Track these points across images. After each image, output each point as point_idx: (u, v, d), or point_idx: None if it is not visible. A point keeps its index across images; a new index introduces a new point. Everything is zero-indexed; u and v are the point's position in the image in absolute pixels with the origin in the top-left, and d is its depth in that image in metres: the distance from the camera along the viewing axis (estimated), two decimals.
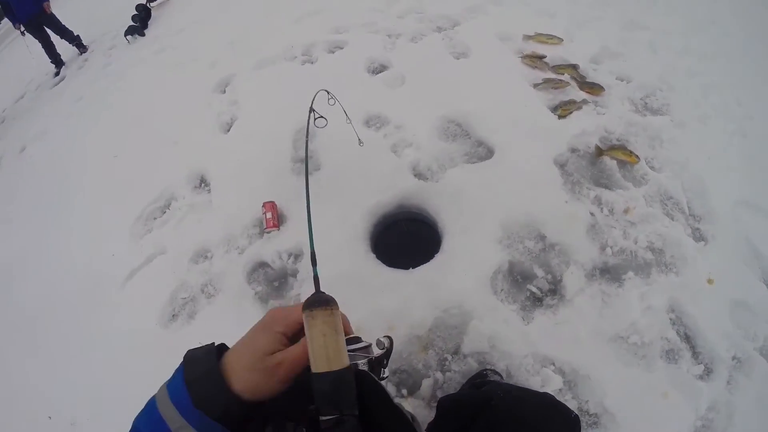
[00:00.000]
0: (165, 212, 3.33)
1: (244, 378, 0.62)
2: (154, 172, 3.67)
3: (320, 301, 0.69)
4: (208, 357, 0.65)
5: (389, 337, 0.79)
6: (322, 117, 1.45)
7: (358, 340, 0.78)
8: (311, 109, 1.43)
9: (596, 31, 3.64)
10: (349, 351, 0.69)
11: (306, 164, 1.12)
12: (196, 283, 2.77)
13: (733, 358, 2.09)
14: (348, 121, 2.03)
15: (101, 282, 3.09)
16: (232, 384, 0.62)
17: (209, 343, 0.69)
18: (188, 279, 2.82)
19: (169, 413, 0.60)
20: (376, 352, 0.79)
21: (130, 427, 0.63)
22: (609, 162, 2.66)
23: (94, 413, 2.44)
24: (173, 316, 2.72)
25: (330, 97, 1.72)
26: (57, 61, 8.31)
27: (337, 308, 0.70)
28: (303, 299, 1.89)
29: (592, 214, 2.45)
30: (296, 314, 0.68)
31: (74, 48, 8.45)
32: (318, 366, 0.64)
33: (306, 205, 1.03)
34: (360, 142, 2.30)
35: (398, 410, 0.66)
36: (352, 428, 0.61)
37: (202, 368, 0.64)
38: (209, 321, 2.58)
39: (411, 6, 4.43)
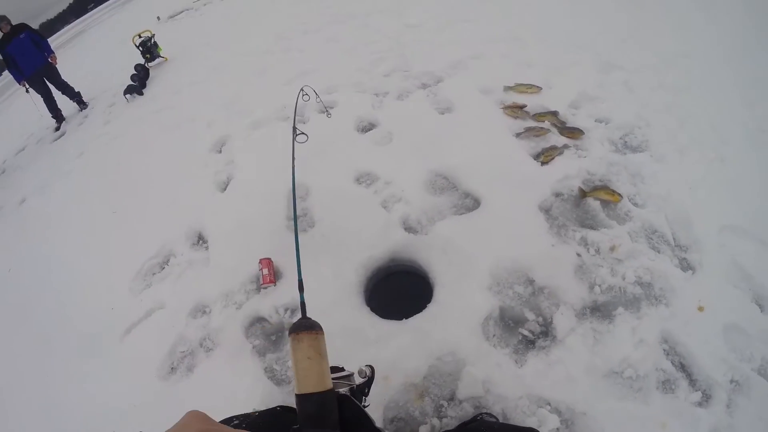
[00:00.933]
0: (164, 268, 3.43)
1: None
2: (153, 229, 3.78)
3: (306, 326, 0.75)
4: None
5: (371, 366, 0.83)
6: (303, 133, 1.53)
7: (341, 369, 0.83)
8: (294, 128, 1.47)
9: (573, 77, 3.81)
10: (332, 379, 0.72)
11: (293, 183, 1.18)
12: (195, 337, 2.83)
13: (731, 381, 2.10)
14: (318, 100, 2.06)
15: (100, 335, 3.14)
16: None
17: None
18: (187, 333, 2.87)
19: None
20: (358, 380, 0.83)
21: None
22: (593, 203, 2.74)
23: None
24: (172, 369, 2.76)
25: (304, 94, 1.78)
26: (58, 116, 8.52)
27: (322, 333, 0.74)
28: None
29: (578, 255, 2.52)
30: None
31: (74, 104, 8.70)
32: (302, 387, 0.68)
33: (294, 231, 1.07)
34: (328, 113, 2.32)
35: None
36: None
37: None
38: (208, 374, 2.62)
39: (396, 64, 4.69)
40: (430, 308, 2.46)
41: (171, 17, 15.00)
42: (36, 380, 3.11)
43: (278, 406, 0.78)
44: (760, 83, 3.49)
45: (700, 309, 2.31)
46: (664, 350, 2.20)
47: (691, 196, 2.77)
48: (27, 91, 8.20)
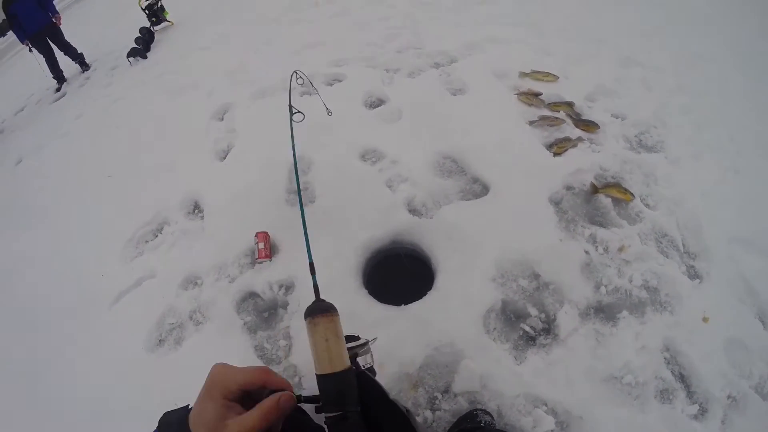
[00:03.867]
0: (157, 236, 3.34)
1: None
2: (148, 195, 3.69)
3: (322, 309, 0.76)
4: (181, 422, 0.64)
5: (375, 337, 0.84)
6: (299, 112, 1.55)
7: (356, 338, 0.87)
8: (290, 106, 1.53)
9: (591, 69, 3.71)
10: (349, 348, 0.76)
11: (296, 167, 1.17)
12: (185, 309, 2.77)
13: (728, 396, 2.08)
14: (315, 92, 2.04)
15: (89, 302, 3.07)
16: None
17: (184, 405, 0.70)
18: (177, 305, 2.81)
19: None
20: (373, 344, 0.87)
21: None
22: (604, 200, 2.67)
23: None
24: (160, 341, 2.71)
25: (299, 76, 1.77)
26: (59, 77, 8.37)
27: (337, 315, 0.76)
28: (292, 332, 1.92)
29: (586, 252, 2.45)
30: (237, 378, 0.65)
31: (77, 65, 8.55)
32: (322, 368, 0.70)
33: (300, 214, 1.11)
34: (328, 111, 2.28)
35: (394, 405, 0.69)
36: (355, 423, 0.65)
37: (174, 430, 0.65)
38: (196, 349, 2.56)
39: (409, 42, 4.54)
40: (431, 295, 2.39)
41: None
42: (21, 346, 3.05)
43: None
44: None
45: (705, 320, 2.27)
46: (665, 359, 2.16)
47: (704, 203, 2.71)
48: (30, 50, 8.07)
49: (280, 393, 0.64)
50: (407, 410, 0.69)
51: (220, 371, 0.66)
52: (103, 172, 4.34)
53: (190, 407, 0.67)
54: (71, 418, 2.48)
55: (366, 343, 0.89)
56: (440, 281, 2.43)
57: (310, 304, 0.79)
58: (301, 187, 3.10)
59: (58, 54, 8.27)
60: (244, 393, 0.65)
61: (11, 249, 3.97)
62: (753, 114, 3.32)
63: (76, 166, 4.82)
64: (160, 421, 0.68)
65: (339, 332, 0.75)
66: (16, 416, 2.64)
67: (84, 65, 8.53)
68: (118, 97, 6.21)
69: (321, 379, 0.70)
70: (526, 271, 2.40)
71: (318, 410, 0.68)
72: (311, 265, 0.96)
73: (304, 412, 0.90)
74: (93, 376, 2.64)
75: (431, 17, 5.16)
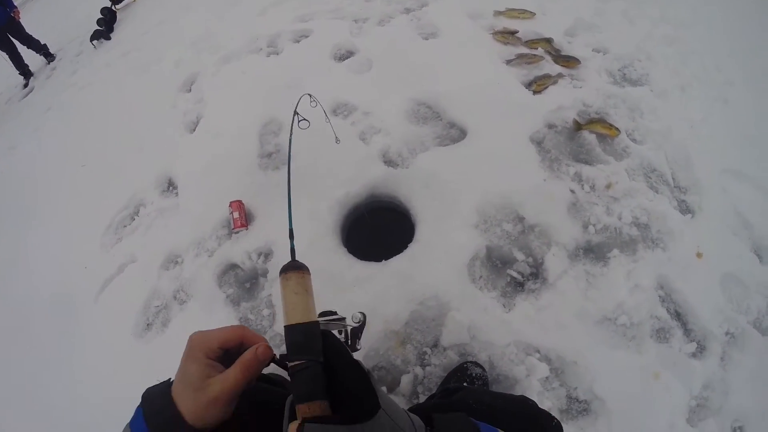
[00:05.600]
0: (134, 219, 3.23)
1: (191, 410, 0.62)
2: (123, 179, 3.55)
3: (294, 266, 0.78)
4: (163, 392, 0.66)
5: (363, 313, 0.86)
6: (305, 119, 1.50)
7: (333, 313, 0.83)
8: (295, 112, 1.45)
9: (569, 3, 3.50)
10: (324, 321, 0.76)
11: (288, 164, 1.22)
12: (168, 289, 2.68)
13: (726, 333, 2.02)
14: (327, 121, 2.00)
15: (75, 296, 2.99)
16: (184, 415, 0.62)
17: (166, 379, 0.71)
18: (160, 286, 2.73)
19: None
20: (351, 324, 0.86)
21: None
22: (588, 136, 2.54)
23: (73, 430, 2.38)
24: (147, 325, 2.64)
25: (312, 100, 1.77)
26: (25, 72, 8.12)
27: (309, 273, 0.78)
28: (275, 299, 2.07)
29: (572, 191, 2.33)
30: (215, 336, 0.69)
31: (42, 58, 8.27)
32: (290, 319, 0.71)
33: (287, 183, 1.16)
34: (337, 140, 2.18)
35: (355, 362, 0.65)
36: (316, 373, 0.64)
37: (159, 403, 0.65)
38: (183, 327, 2.48)
39: None
40: (412, 248, 2.27)
41: None
42: (13, 346, 3.00)
43: None
44: None
45: (699, 255, 2.18)
46: (659, 297, 2.08)
47: (693, 135, 2.61)
48: None
49: (257, 345, 0.69)
50: (369, 371, 0.64)
51: (198, 335, 0.70)
52: (77, 162, 4.18)
53: (171, 380, 0.69)
54: (68, 416, 2.45)
55: (342, 319, 0.84)
56: (420, 232, 2.32)
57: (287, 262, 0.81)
58: (271, 150, 3.01)
59: (21, 49, 8.00)
60: (224, 352, 0.68)
61: None
62: (744, 45, 3.18)
63: (51, 161, 4.66)
64: (143, 396, 0.69)
65: (309, 288, 0.77)
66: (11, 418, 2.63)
67: (49, 56, 8.24)
68: (85, 83, 5.99)
69: (288, 329, 0.71)
70: (509, 214, 2.28)
71: (282, 358, 0.69)
72: (291, 231, 1.00)
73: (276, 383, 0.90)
74: (87, 369, 2.60)
75: None
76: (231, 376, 0.64)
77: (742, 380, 1.92)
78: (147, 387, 0.71)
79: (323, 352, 0.67)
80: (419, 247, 2.25)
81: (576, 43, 3.17)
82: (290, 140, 1.39)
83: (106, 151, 4.05)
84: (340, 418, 0.58)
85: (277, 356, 0.73)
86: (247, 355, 0.67)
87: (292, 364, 0.65)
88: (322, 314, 0.79)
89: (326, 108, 2.99)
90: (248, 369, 0.66)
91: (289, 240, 0.96)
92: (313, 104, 1.74)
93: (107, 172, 3.77)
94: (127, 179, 3.50)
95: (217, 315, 2.43)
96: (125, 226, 3.23)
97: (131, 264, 2.95)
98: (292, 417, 0.62)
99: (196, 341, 0.69)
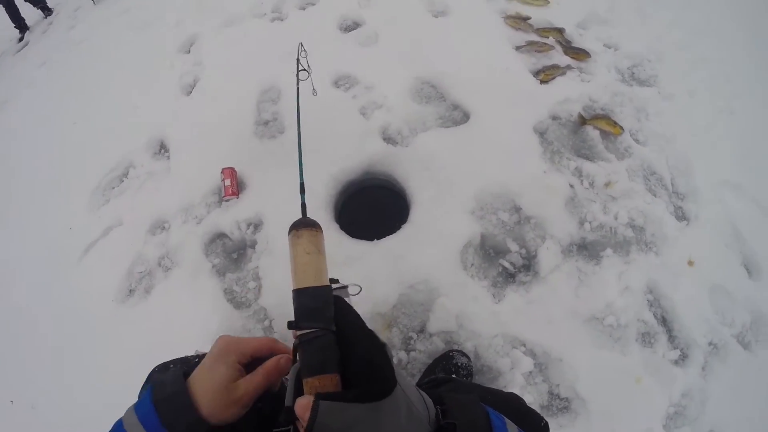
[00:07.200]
0: (123, 181, 3.18)
1: (209, 405, 0.64)
2: (114, 139, 3.48)
3: (306, 223, 0.77)
4: (176, 380, 0.67)
5: (360, 286, 0.84)
6: (305, 70, 1.46)
7: (336, 281, 0.77)
8: (297, 60, 1.44)
9: None
10: (336, 287, 0.74)
11: (298, 115, 1.25)
12: (153, 255, 2.65)
13: (710, 343, 2.02)
14: (305, 70, 1.92)
15: (58, 257, 2.96)
16: (200, 409, 0.64)
17: (177, 366, 0.75)
18: (145, 251, 2.70)
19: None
20: (353, 291, 0.83)
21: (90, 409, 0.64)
22: (591, 132, 2.51)
23: (54, 396, 2.35)
24: (130, 291, 2.61)
25: (302, 50, 1.65)
26: (21, 26, 7.97)
27: (321, 232, 0.77)
28: (261, 272, 2.00)
29: (571, 186, 2.31)
30: (250, 344, 0.72)
31: (39, 11, 8.08)
32: (300, 282, 0.69)
33: (297, 136, 1.21)
34: (314, 92, 2.12)
35: (371, 333, 0.62)
36: (329, 343, 0.62)
37: (170, 389, 0.66)
38: (166, 296, 2.48)
39: None
40: (405, 229, 2.24)
41: None
42: None
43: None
44: None
45: (690, 263, 2.18)
46: (648, 301, 2.08)
47: (696, 142, 2.58)
48: None
49: (280, 355, 0.72)
50: (384, 344, 0.59)
51: (233, 339, 0.72)
52: (69, 119, 4.09)
53: (181, 369, 0.71)
54: (46, 379, 2.47)
55: (345, 287, 0.80)
56: (415, 214, 2.28)
57: (295, 220, 0.79)
58: (269, 117, 2.95)
59: (19, 2, 7.77)
60: (254, 359, 0.72)
61: None
62: (752, 57, 3.13)
63: (42, 117, 4.57)
64: (151, 380, 0.72)
65: (322, 248, 0.76)
66: None
67: (46, 10, 8.04)
68: (82, 39, 5.81)
69: (297, 293, 0.68)
70: (506, 203, 2.25)
71: (290, 326, 0.66)
72: (302, 185, 1.05)
73: None
74: (66, 336, 2.58)
75: None
76: (255, 380, 0.68)
77: (721, 392, 1.92)
78: (151, 369, 0.75)
79: (335, 320, 0.65)
80: (412, 229, 2.22)
81: (587, 36, 3.11)
82: (297, 89, 1.35)
83: (100, 109, 3.96)
84: (355, 394, 0.54)
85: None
86: (270, 363, 0.71)
87: (302, 332, 0.63)
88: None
89: (328, 77, 2.95)
90: (270, 375, 0.70)
91: (299, 195, 0.99)
92: (303, 54, 1.68)
93: (99, 131, 3.69)
94: (119, 139, 3.43)
95: (201, 284, 2.40)
96: (113, 188, 3.18)
97: (117, 227, 2.91)
98: (299, 391, 0.60)
99: (230, 345, 0.71)
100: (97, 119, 3.84)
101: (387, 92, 2.81)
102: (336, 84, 2.97)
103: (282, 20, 3.75)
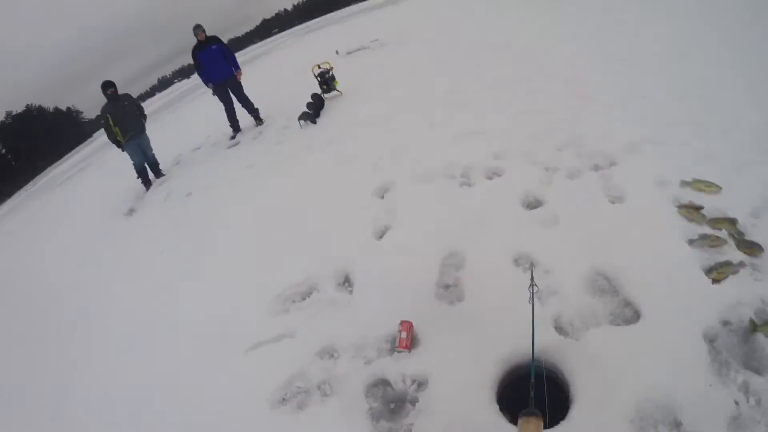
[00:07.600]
0: (305, 299, 3.65)
1: None
2: (304, 257, 4.02)
3: (535, 414, 1.23)
4: None
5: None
6: (534, 284, 2.02)
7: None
8: (531, 277, 1.91)
9: (758, 179, 3.44)
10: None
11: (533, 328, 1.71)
12: (315, 378, 2.89)
13: None
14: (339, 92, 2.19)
15: (227, 340, 3.44)
16: None
17: None
18: (309, 370, 2.95)
19: None
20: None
21: None
22: (763, 340, 2.46)
23: None
24: (283, 399, 2.85)
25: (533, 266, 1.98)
26: (235, 126, 9.55)
27: (542, 420, 1.23)
28: (415, 430, 2.43)
29: (736, 402, 2.26)
30: None
31: (252, 119, 9.59)
32: None
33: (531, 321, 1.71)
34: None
35: None
36: None
37: None
38: (316, 417, 2.67)
39: (569, 138, 4.57)
40: (563, 426, 2.31)
41: (349, 53, 16.20)
42: (155, 367, 3.58)
43: None
44: None
45: None
46: None
47: None
48: (213, 94, 9.12)
49: None
50: None
51: None
52: (264, 225, 4.87)
53: None
54: None
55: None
56: (575, 412, 2.34)
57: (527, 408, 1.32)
58: (450, 283, 3.28)
59: (236, 106, 9.30)
60: None
61: (168, 271, 4.75)
62: None
63: (239, 213, 5.45)
64: None
65: None
66: None
67: (258, 120, 9.61)
68: (288, 155, 6.91)
69: None
70: (667, 416, 2.27)
71: None
72: (533, 383, 1.55)
73: None
74: (211, 416, 2.93)
75: (591, 112, 5.16)
76: None
77: None
78: None
79: None
80: (570, 427, 2.29)
81: (760, 226, 3.07)
82: (532, 305, 1.89)
83: (293, 225, 4.63)
84: None
85: None
86: None
87: None
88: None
89: (509, 255, 3.31)
90: None
91: (530, 389, 1.45)
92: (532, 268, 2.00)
93: (289, 245, 4.32)
94: (308, 259, 3.99)
95: (354, 421, 2.57)
96: (294, 302, 3.66)
97: (289, 338, 3.26)
98: None
99: None
100: (290, 234, 4.51)
101: (562, 279, 3.02)
102: (516, 262, 3.27)
103: (470, 186, 4.25)
